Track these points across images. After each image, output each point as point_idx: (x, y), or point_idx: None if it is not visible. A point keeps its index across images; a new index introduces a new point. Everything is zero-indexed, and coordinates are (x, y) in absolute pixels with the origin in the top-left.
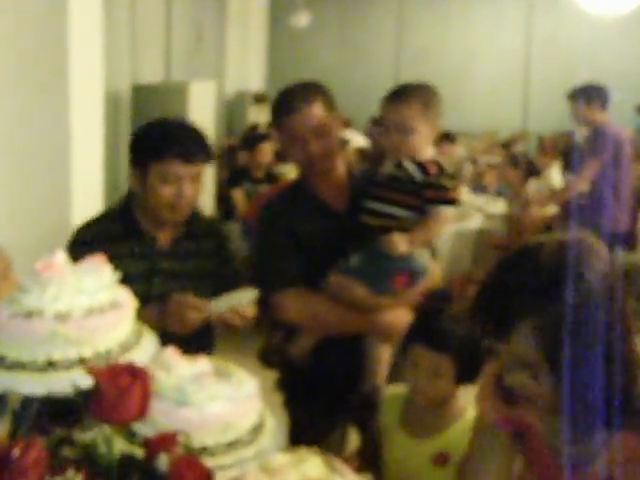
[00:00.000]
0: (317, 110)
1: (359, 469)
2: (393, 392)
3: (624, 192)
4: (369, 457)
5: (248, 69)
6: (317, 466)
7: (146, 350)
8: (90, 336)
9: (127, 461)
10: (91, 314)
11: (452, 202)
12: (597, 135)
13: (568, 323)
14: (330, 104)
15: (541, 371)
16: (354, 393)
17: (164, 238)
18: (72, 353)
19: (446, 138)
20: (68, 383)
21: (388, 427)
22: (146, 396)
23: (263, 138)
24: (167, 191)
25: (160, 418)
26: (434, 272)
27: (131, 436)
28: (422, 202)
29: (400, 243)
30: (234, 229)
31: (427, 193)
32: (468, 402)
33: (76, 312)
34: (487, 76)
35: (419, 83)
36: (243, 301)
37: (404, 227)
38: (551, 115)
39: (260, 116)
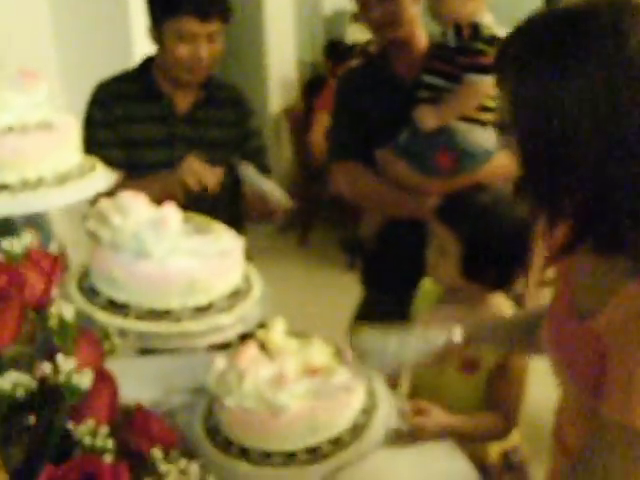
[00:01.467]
0: None
1: None
2: (427, 287)
3: None
4: None
5: None
6: (324, 355)
7: (94, 183)
8: (13, 159)
9: None
10: (11, 133)
11: (486, 69)
12: None
13: None
14: None
15: None
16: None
17: (183, 102)
18: None
19: None
20: None
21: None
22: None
23: (349, 51)
24: (183, 50)
25: (118, 272)
26: (499, 160)
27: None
28: (458, 70)
29: (428, 116)
30: None
31: (460, 59)
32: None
33: None
34: None
35: None
36: (270, 195)
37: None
38: None
39: (360, 35)
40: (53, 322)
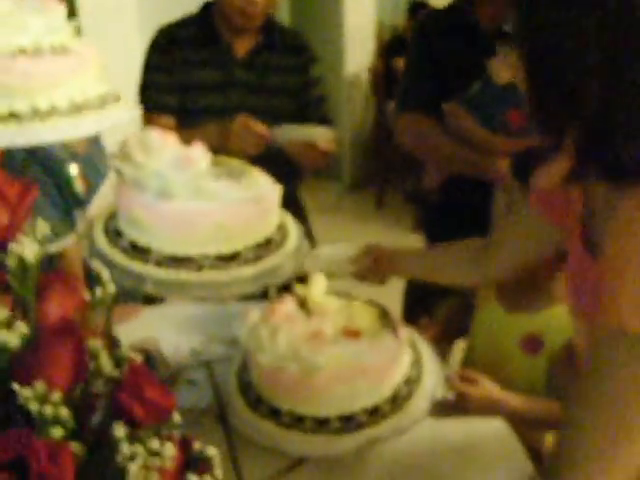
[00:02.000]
0: None
1: (440, 336)
2: None
3: None
4: (457, 323)
5: None
6: (367, 317)
7: (113, 115)
8: (24, 85)
9: None
10: (22, 55)
11: None
12: None
13: None
14: None
15: None
16: None
17: (241, 47)
18: (3, 104)
19: None
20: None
21: (484, 295)
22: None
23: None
24: None
25: (140, 213)
26: None
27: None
28: None
29: (504, 69)
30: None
31: None
32: None
33: (3, 53)
34: None
35: None
36: (316, 137)
37: None
38: None
39: None
40: (12, 262)
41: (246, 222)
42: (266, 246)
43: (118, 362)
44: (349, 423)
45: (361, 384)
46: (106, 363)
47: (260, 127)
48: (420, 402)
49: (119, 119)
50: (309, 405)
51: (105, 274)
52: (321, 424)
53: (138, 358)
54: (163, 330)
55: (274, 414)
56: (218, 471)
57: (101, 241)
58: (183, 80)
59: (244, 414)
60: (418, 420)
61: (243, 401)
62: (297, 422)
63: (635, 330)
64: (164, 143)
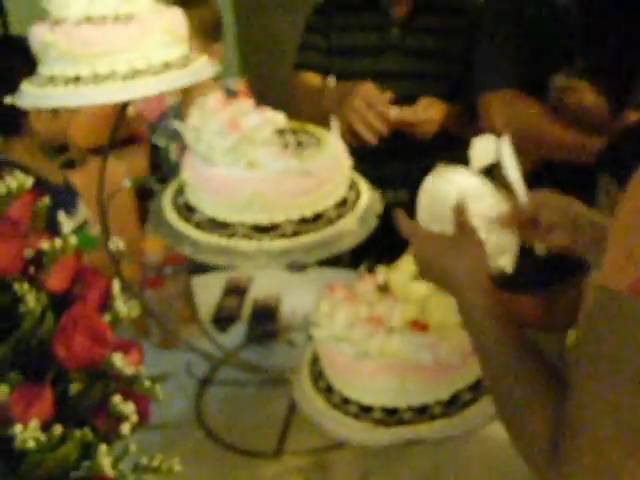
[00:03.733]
0: None
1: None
2: None
3: None
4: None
5: None
6: (445, 313)
7: (192, 74)
8: (82, 50)
9: None
10: (84, 23)
11: None
12: None
13: None
14: None
15: None
16: None
17: (399, 9)
18: (67, 68)
19: None
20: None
21: None
22: None
23: None
24: None
25: (189, 175)
26: None
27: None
28: None
29: None
30: None
31: None
32: None
33: (71, 19)
34: None
35: None
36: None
37: None
38: None
39: None
40: None
41: (289, 194)
42: (309, 222)
43: None
44: (392, 416)
45: (411, 380)
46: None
47: (384, 102)
48: (482, 410)
49: (179, 84)
50: (356, 389)
51: (67, 226)
52: (364, 411)
53: None
54: (296, 291)
55: (328, 391)
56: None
57: (166, 196)
58: (338, 43)
59: (305, 384)
60: (469, 429)
61: (307, 372)
62: (343, 404)
63: (614, 288)
64: (219, 107)
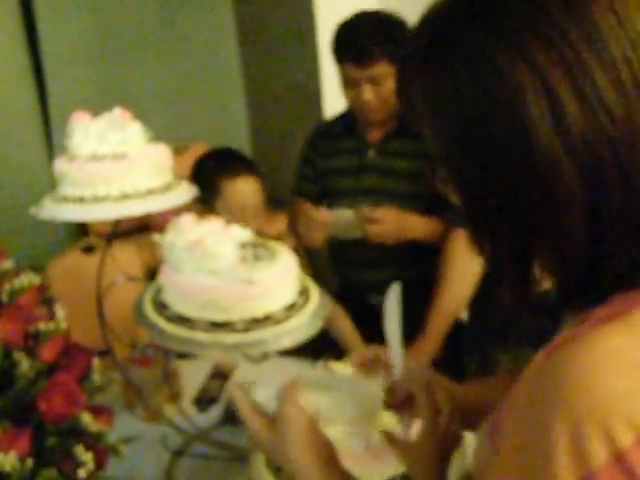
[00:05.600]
0: None
1: None
2: None
3: None
4: None
5: None
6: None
7: (170, 199)
8: (89, 180)
9: None
10: (91, 160)
11: None
12: None
13: None
14: None
15: None
16: None
17: (374, 135)
18: (76, 191)
19: None
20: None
21: None
22: None
23: None
24: (350, 94)
25: (164, 278)
26: None
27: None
28: None
29: None
30: None
31: None
32: None
33: (82, 156)
34: None
35: None
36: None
37: None
38: None
39: None
40: None
41: (240, 298)
42: (260, 321)
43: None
44: None
45: (345, 465)
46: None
47: (317, 213)
48: None
49: (162, 206)
50: None
51: (60, 313)
52: None
53: None
54: (267, 379)
55: (277, 470)
56: None
57: (148, 296)
58: (324, 166)
59: (260, 463)
60: None
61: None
62: None
63: None
64: (189, 227)
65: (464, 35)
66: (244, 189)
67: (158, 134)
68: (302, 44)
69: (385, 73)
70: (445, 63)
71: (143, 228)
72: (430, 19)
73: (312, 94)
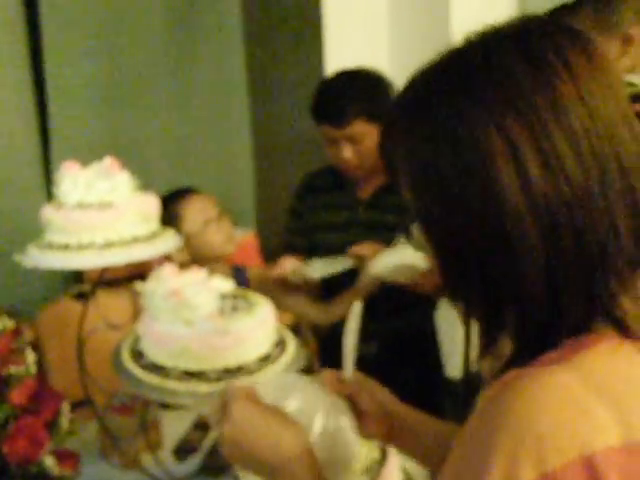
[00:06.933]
0: None
1: None
2: None
3: None
4: None
5: None
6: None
7: (156, 247)
8: (74, 227)
9: None
10: (77, 209)
11: None
12: None
13: None
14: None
15: None
16: None
17: (365, 190)
18: (62, 239)
19: None
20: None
21: None
22: None
23: None
24: (330, 152)
25: (142, 327)
26: None
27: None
28: None
29: None
30: None
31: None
32: None
33: (69, 204)
34: None
35: None
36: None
37: None
38: None
39: None
40: None
41: (213, 348)
42: (232, 372)
43: None
44: None
45: None
46: None
47: (293, 264)
48: None
49: (147, 254)
50: None
51: (30, 356)
52: None
53: None
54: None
55: None
56: None
57: (126, 344)
58: (311, 222)
59: None
60: None
61: None
62: None
63: None
64: (170, 276)
65: (446, 109)
66: (200, 206)
67: (161, 181)
68: (310, 94)
69: (363, 132)
70: (427, 135)
71: (141, 276)
72: (414, 87)
73: (320, 144)
